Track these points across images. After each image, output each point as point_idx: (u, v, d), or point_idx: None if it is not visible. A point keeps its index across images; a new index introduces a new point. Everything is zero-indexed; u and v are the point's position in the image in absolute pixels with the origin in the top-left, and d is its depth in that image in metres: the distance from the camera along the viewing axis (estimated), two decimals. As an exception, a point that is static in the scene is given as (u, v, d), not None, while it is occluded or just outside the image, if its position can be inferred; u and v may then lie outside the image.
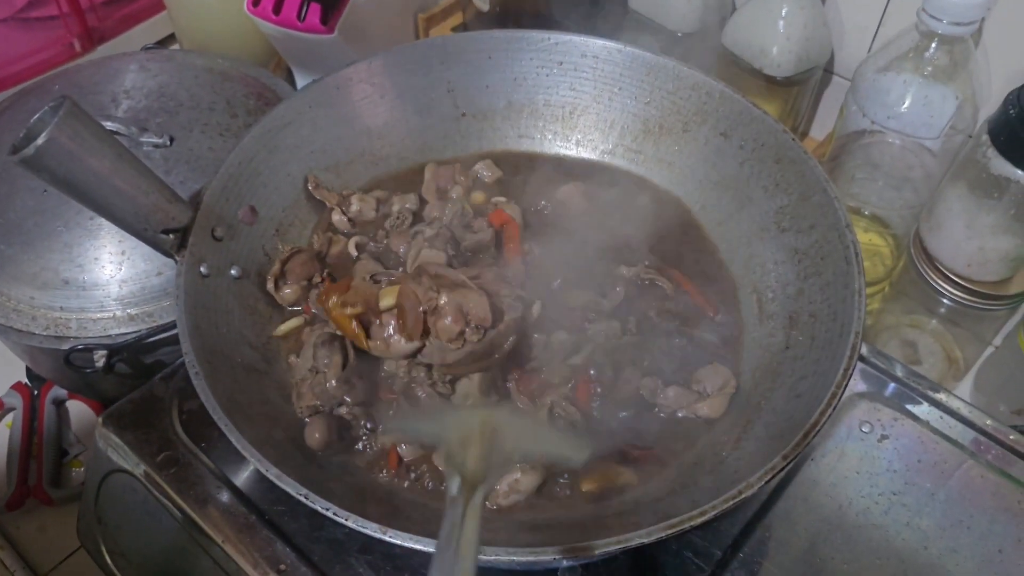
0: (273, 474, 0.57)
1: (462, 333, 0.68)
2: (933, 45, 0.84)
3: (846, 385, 0.61)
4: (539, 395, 0.71)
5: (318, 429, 0.68)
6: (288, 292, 0.78)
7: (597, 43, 0.86)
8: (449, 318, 0.67)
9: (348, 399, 0.69)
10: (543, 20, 1.10)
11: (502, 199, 0.85)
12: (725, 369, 0.73)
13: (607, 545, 0.54)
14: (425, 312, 0.68)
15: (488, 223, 0.82)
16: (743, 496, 0.56)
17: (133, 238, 0.70)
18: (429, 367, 0.71)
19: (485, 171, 0.89)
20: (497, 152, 0.92)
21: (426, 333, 0.69)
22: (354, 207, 0.84)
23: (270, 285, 0.77)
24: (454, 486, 0.49)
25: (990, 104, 0.86)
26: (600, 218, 0.85)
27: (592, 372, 0.73)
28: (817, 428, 0.59)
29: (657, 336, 0.76)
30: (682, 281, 0.80)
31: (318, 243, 0.82)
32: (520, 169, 0.90)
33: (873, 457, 0.78)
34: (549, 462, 0.67)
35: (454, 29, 1.21)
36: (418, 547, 0.54)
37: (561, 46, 0.87)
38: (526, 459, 0.65)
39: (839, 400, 0.61)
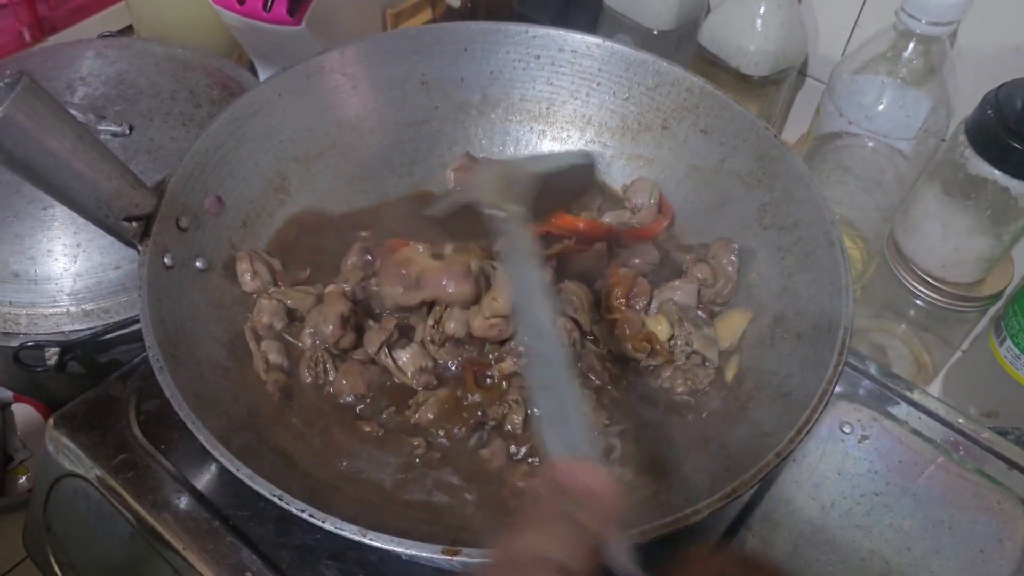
0: (245, 474, 0.54)
1: None
2: (911, 45, 0.84)
3: (837, 380, 0.60)
4: None
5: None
6: None
7: (576, 37, 0.85)
8: None
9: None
10: (515, 17, 1.09)
11: None
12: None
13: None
14: None
15: None
16: (738, 495, 0.54)
17: (89, 230, 0.66)
18: None
19: None
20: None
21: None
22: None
23: None
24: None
25: (962, 107, 0.87)
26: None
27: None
28: (811, 423, 0.57)
29: None
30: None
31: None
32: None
33: (854, 458, 0.77)
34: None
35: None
36: (399, 549, 0.52)
37: (539, 40, 0.85)
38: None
39: (830, 396, 0.60)
